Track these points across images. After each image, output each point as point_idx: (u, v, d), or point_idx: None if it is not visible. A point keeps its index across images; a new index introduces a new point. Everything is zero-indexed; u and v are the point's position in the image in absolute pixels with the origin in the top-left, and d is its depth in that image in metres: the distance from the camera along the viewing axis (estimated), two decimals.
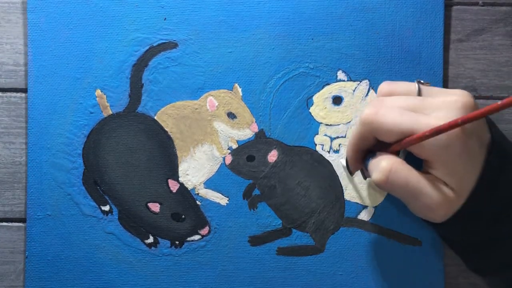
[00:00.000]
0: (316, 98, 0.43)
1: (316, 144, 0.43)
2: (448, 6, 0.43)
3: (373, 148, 0.36)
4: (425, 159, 0.33)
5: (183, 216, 0.43)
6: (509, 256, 0.35)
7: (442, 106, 0.32)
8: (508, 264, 0.35)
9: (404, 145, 0.33)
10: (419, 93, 0.35)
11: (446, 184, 0.33)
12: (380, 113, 0.33)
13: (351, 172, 0.39)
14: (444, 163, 0.32)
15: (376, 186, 0.36)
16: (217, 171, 0.43)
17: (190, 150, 0.43)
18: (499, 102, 0.28)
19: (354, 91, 0.42)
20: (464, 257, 0.38)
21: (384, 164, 0.33)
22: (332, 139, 0.43)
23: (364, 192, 0.42)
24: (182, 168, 0.43)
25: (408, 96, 0.35)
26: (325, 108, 0.43)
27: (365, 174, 0.39)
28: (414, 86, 0.36)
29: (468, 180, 0.33)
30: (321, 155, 0.42)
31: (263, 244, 0.42)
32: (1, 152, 0.43)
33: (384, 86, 0.37)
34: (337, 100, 0.43)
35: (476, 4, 0.43)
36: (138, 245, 0.42)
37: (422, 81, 0.37)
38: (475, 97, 0.41)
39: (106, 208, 0.43)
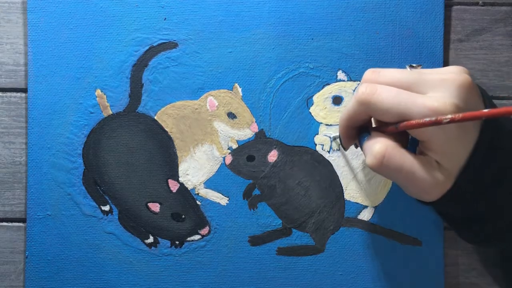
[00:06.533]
0: (316, 98, 0.43)
1: (316, 144, 0.43)
2: (448, 6, 0.43)
3: (368, 124, 0.36)
4: (422, 140, 0.33)
5: (183, 216, 0.42)
6: (501, 229, 0.35)
7: (439, 84, 0.32)
8: (499, 237, 0.36)
9: (401, 129, 0.33)
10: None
11: (439, 164, 0.33)
12: (377, 93, 0.32)
13: (345, 148, 0.38)
14: (440, 144, 0.32)
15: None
16: (217, 171, 0.43)
17: (190, 150, 0.43)
18: (486, 110, 0.28)
19: (354, 91, 0.42)
20: (457, 229, 0.38)
21: (377, 148, 0.33)
22: (332, 139, 0.43)
23: (364, 192, 0.42)
24: (182, 168, 0.43)
25: (404, 70, 0.34)
26: (325, 108, 0.43)
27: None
28: (405, 71, 0.34)
29: (460, 158, 0.33)
30: (321, 155, 0.42)
31: (263, 244, 0.42)
32: (1, 152, 0.43)
33: (369, 73, 0.35)
34: (337, 100, 0.43)
35: (476, 4, 0.43)
36: (138, 245, 0.42)
37: (413, 65, 0.36)
38: None
39: (106, 208, 0.42)
